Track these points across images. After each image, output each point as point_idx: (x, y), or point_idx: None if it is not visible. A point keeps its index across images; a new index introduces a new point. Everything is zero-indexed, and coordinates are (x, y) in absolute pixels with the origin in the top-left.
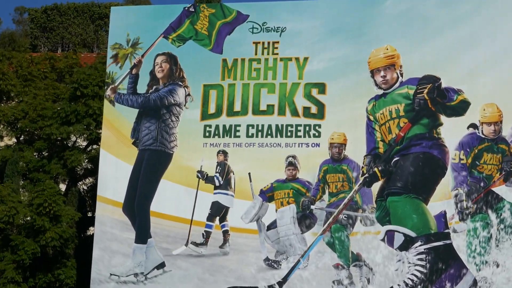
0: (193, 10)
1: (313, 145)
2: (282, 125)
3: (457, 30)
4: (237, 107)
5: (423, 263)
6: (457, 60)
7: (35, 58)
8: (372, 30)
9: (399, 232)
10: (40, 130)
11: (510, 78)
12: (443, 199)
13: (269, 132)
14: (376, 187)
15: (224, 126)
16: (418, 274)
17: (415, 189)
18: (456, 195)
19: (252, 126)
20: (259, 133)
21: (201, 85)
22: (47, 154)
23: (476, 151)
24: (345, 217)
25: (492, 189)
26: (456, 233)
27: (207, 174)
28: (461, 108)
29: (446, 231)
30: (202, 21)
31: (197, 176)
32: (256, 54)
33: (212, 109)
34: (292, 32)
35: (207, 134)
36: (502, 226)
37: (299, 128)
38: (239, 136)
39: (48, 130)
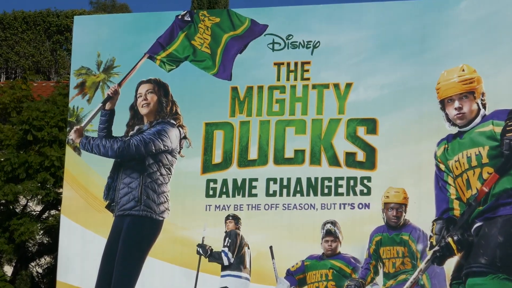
0: (189, 19)
1: (360, 206)
2: (316, 179)
3: None
4: (253, 154)
5: None
6: None
7: None
8: (441, 43)
9: None
10: None
11: None
12: None
13: (298, 189)
14: (450, 264)
15: (234, 181)
16: None
17: (505, 266)
18: None
19: (274, 180)
20: (284, 190)
21: (203, 124)
22: None
23: None
24: None
25: None
26: None
27: (212, 249)
28: None
29: None
30: (202, 35)
31: (198, 252)
32: (278, 79)
33: (218, 157)
34: (329, 49)
35: (211, 192)
36: None
37: (340, 182)
38: (256, 195)
39: None
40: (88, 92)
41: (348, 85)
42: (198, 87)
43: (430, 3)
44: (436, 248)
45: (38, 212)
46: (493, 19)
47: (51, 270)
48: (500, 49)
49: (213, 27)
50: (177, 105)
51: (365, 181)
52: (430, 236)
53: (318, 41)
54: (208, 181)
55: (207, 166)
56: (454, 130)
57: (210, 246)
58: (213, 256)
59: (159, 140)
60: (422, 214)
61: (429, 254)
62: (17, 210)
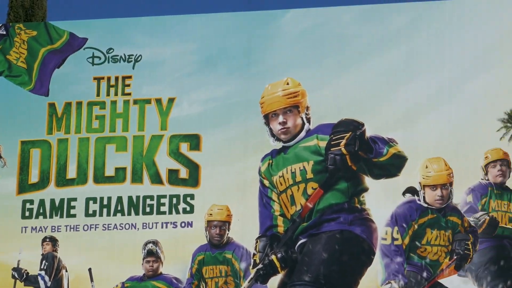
0: (4, 32)
1: (183, 224)
2: (138, 197)
3: (388, 55)
4: (72, 172)
5: None
6: (387, 97)
7: None
8: (266, 57)
9: None
10: None
11: (462, 120)
12: None
13: (119, 208)
14: (274, 282)
15: (52, 201)
16: None
17: (329, 283)
18: None
19: (94, 199)
20: (104, 210)
21: (18, 142)
22: None
23: (416, 226)
24: None
25: (440, 280)
26: None
27: (27, 273)
28: (394, 165)
29: None
30: (18, 49)
31: (13, 276)
32: (98, 95)
33: (34, 177)
34: (151, 63)
35: (27, 213)
36: None
37: (162, 200)
38: (74, 215)
39: None
40: None
41: (171, 100)
42: (14, 104)
43: (255, 16)
44: (260, 266)
45: None
46: (318, 31)
47: None
48: (325, 62)
49: (29, 41)
50: None
51: (188, 199)
52: (254, 254)
53: (140, 55)
54: (24, 201)
55: (23, 186)
56: (279, 145)
57: (26, 270)
58: (29, 280)
59: None
60: (246, 232)
61: (252, 272)
62: None
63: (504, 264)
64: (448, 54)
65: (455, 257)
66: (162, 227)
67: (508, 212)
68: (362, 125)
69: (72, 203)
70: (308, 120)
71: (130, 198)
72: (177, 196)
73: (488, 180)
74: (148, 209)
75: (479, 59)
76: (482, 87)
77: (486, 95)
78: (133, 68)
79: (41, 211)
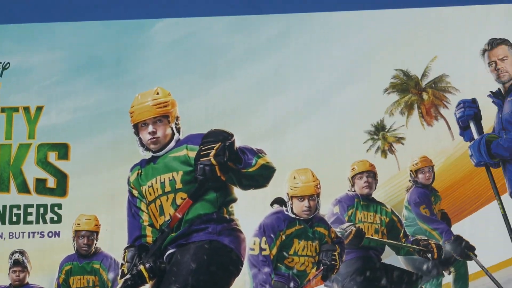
0: None
1: (50, 234)
2: (4, 207)
3: (258, 66)
4: None
5: None
6: (257, 108)
7: None
8: (136, 66)
9: None
10: None
11: (330, 132)
12: None
13: None
14: None
15: None
16: None
17: None
18: None
19: None
20: None
21: None
22: None
23: (284, 237)
24: None
25: None
26: None
27: None
28: (262, 176)
29: None
30: None
31: None
32: None
33: None
34: (19, 70)
35: None
36: None
37: (29, 210)
38: None
39: None
40: None
41: (39, 109)
42: None
43: (125, 25)
44: (128, 276)
45: None
46: (189, 41)
47: None
48: (195, 72)
49: None
50: None
51: (56, 209)
52: (122, 264)
53: (8, 62)
54: None
55: None
56: (148, 155)
57: None
58: None
59: None
60: (114, 242)
61: (120, 282)
62: None
63: (369, 275)
64: (316, 66)
65: (322, 267)
66: (29, 236)
67: (374, 223)
68: (232, 135)
69: None
70: (178, 130)
71: None
72: (45, 206)
73: (354, 191)
74: (15, 219)
75: (347, 71)
76: (349, 99)
77: (353, 107)
78: (1, 75)
79: None
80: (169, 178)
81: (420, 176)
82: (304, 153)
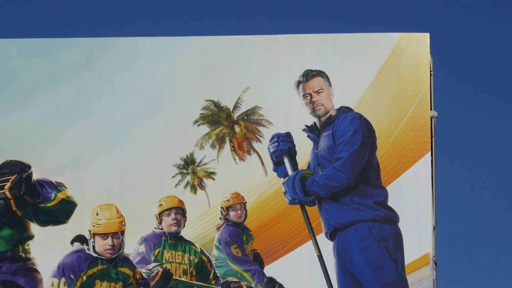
0: None
1: None
2: None
3: (58, 92)
4: None
5: None
6: (56, 137)
7: None
8: None
9: None
10: None
11: (136, 165)
12: None
13: None
14: None
15: None
16: None
17: None
18: None
19: None
20: None
21: None
22: None
23: (85, 278)
24: None
25: None
26: None
27: None
28: (62, 211)
29: None
30: None
31: None
32: None
33: None
34: None
35: None
36: None
37: None
38: None
39: None
40: None
41: None
42: None
43: None
44: None
45: None
46: None
47: None
48: None
49: None
50: None
51: None
52: None
53: None
54: None
55: None
56: None
57: None
58: None
59: None
60: None
61: None
62: None
63: None
64: (120, 94)
65: None
66: None
67: (182, 264)
68: (29, 167)
69: None
70: None
71: None
72: None
73: (162, 229)
74: None
75: (154, 100)
76: (156, 130)
77: (161, 139)
78: None
79: None
80: None
81: (231, 213)
82: (108, 187)
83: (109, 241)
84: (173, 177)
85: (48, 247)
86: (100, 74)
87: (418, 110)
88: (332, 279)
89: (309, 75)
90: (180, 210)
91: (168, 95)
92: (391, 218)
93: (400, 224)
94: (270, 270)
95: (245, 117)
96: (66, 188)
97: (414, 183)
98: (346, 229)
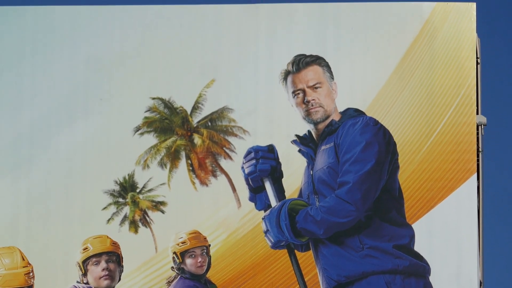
0: None
1: None
2: None
3: None
4: None
5: None
6: None
7: None
8: None
9: None
10: None
11: (45, 193)
12: None
13: None
14: None
15: None
16: None
17: None
18: None
19: None
20: None
21: None
22: None
23: None
24: None
25: None
26: None
27: None
28: None
29: None
30: None
31: None
32: None
33: None
34: None
35: None
36: None
37: None
38: None
39: None
40: None
41: None
42: None
43: None
44: None
45: None
46: None
47: None
48: None
49: None
50: None
51: None
52: None
53: None
54: None
55: None
56: None
57: None
58: None
59: None
60: None
61: None
62: None
63: None
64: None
65: None
66: None
67: None
68: None
69: None
70: None
71: None
72: None
73: (86, 283)
74: None
75: (76, 99)
76: (79, 142)
77: (88, 153)
78: None
79: None
80: None
81: (188, 261)
82: (11, 225)
83: None
84: (104, 208)
85: None
86: None
87: (459, 114)
88: None
89: (301, 62)
90: (114, 257)
91: (96, 89)
92: (419, 268)
93: (431, 278)
94: None
95: (209, 123)
96: None
97: (453, 218)
98: (355, 284)
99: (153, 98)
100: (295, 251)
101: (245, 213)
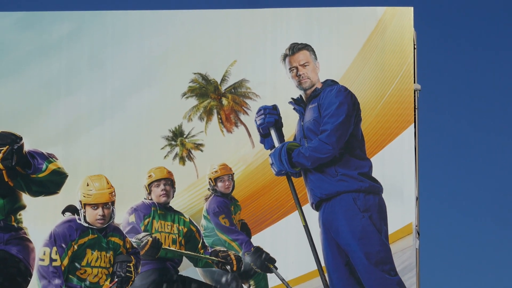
0: None
1: None
2: None
3: (49, 65)
4: None
5: None
6: (47, 110)
7: None
8: None
9: None
10: None
11: (125, 137)
12: None
13: None
14: None
15: None
16: None
17: None
18: None
19: None
20: None
21: None
22: None
23: (76, 247)
24: None
25: None
26: None
27: None
28: (53, 182)
29: None
30: None
31: None
32: None
33: None
34: None
35: None
36: None
37: None
38: None
39: None
40: None
41: None
42: None
43: None
44: None
45: None
46: None
47: None
48: None
49: None
50: None
51: None
52: None
53: None
54: None
55: None
56: None
57: None
58: None
59: None
60: None
61: None
62: None
63: (167, 287)
64: (111, 68)
65: (116, 279)
66: None
67: (171, 233)
68: (20, 138)
69: None
70: None
71: None
72: None
73: (151, 199)
74: None
75: (142, 73)
76: (146, 102)
77: (150, 112)
78: None
79: None
80: None
81: (219, 184)
82: (98, 159)
83: (99, 211)
84: (162, 148)
85: (39, 217)
86: (91, 47)
87: (401, 83)
88: (317, 248)
89: (295, 48)
90: (169, 181)
91: (157, 69)
92: (375, 189)
93: (384, 195)
94: (257, 240)
95: (233, 90)
96: (57, 159)
97: (398, 154)
98: (331, 200)
99: (195, 73)
100: (292, 177)
101: (257, 151)
